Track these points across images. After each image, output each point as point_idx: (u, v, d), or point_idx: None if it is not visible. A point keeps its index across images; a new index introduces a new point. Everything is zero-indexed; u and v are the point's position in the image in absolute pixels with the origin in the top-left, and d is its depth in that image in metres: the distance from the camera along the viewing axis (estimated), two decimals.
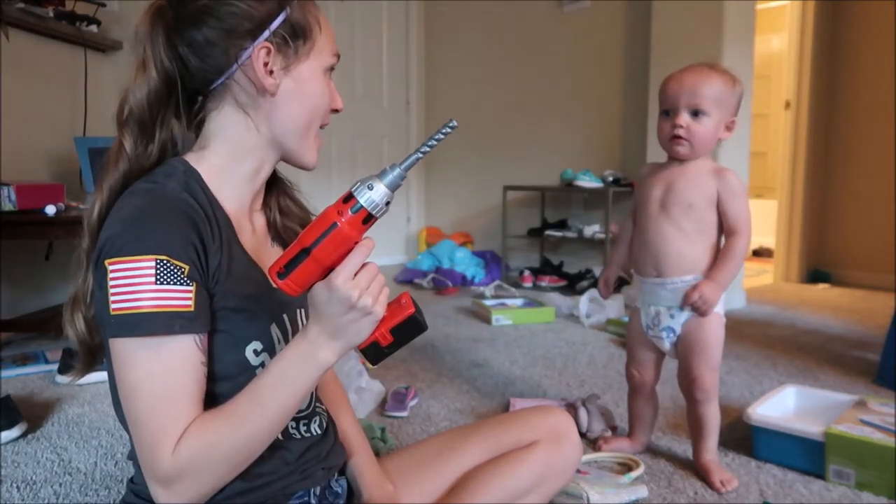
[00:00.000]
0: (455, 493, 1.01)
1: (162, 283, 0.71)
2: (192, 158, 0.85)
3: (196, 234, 0.76)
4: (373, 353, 0.77)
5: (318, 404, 0.96)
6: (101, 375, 2.11)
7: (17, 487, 1.40)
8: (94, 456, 1.57)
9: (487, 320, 3.02)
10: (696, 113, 1.37)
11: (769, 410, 1.58)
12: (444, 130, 0.72)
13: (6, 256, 2.59)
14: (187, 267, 0.73)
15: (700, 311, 1.40)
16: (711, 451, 1.47)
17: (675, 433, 1.69)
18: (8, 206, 2.23)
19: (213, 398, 0.79)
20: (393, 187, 0.71)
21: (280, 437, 0.84)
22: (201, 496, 0.74)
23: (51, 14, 2.70)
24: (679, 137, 1.39)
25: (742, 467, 1.51)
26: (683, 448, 1.60)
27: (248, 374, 0.81)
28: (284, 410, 0.75)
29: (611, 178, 3.71)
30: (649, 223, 1.47)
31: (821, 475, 1.44)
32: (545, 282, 3.91)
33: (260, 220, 0.93)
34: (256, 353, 0.82)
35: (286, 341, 0.86)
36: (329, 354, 0.74)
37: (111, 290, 0.71)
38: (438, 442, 1.09)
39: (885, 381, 2.10)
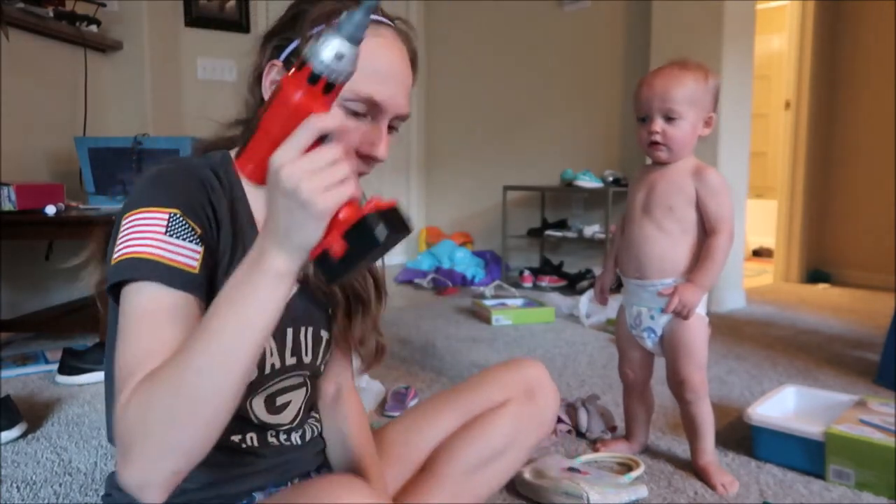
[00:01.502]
0: (428, 465, 1.01)
1: (171, 236, 0.68)
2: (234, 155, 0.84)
3: (210, 205, 0.74)
4: (324, 266, 0.59)
5: (313, 415, 0.95)
6: (101, 376, 2.11)
7: (17, 487, 1.40)
8: (94, 456, 1.57)
9: (487, 320, 3.02)
10: (669, 117, 1.37)
11: (769, 410, 1.58)
12: None
13: (6, 256, 2.59)
14: (199, 229, 0.71)
15: (681, 315, 1.40)
16: (709, 452, 1.47)
17: (675, 433, 1.69)
18: (8, 206, 2.23)
19: None
20: (351, 37, 0.56)
21: (256, 443, 0.83)
22: (157, 469, 0.59)
23: (51, 14, 2.70)
24: (656, 143, 1.39)
25: (742, 467, 1.51)
26: (683, 448, 1.60)
27: None
28: (240, 342, 0.59)
29: (611, 178, 3.71)
30: (633, 226, 1.47)
31: (821, 475, 1.43)
32: (545, 282, 3.91)
33: None
34: None
35: (282, 356, 0.83)
36: (279, 261, 0.58)
37: (118, 240, 0.68)
38: (409, 417, 1.08)
39: (885, 381, 2.10)
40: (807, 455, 1.45)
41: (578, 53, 4.08)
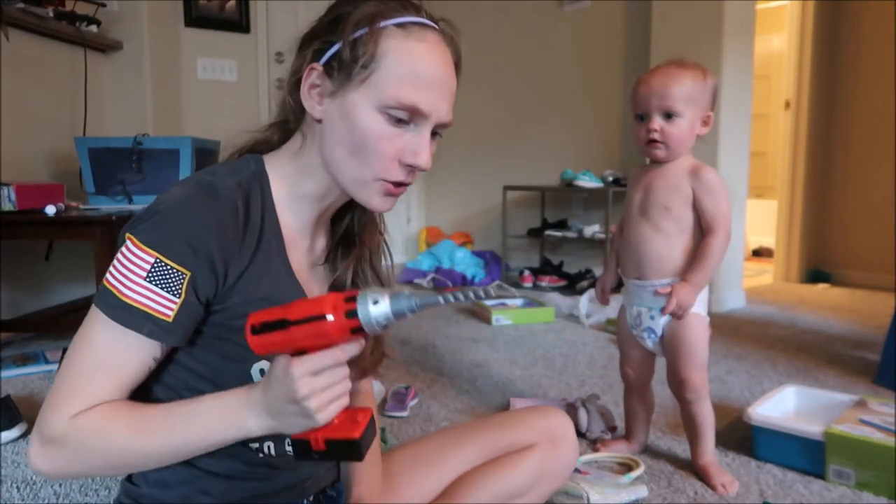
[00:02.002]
0: (450, 493, 1.01)
1: (150, 283, 0.71)
2: (272, 159, 0.83)
3: (220, 239, 0.73)
4: (300, 449, 0.70)
5: None
6: None
7: (17, 487, 1.40)
8: None
9: (487, 320, 3.02)
10: (668, 115, 1.37)
11: (769, 410, 1.58)
12: (479, 292, 0.65)
13: (6, 256, 2.59)
14: (188, 274, 0.71)
15: (677, 316, 1.40)
16: (709, 452, 1.47)
17: (675, 433, 1.69)
18: (8, 206, 2.23)
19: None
20: (398, 314, 0.66)
21: (272, 451, 0.82)
22: (65, 473, 0.73)
23: (51, 14, 2.70)
24: (654, 141, 1.39)
25: (742, 467, 1.51)
26: (683, 448, 1.60)
27: None
28: (184, 448, 0.71)
29: (611, 178, 3.71)
30: (631, 227, 1.47)
31: (821, 475, 1.44)
32: (545, 282, 3.91)
33: (322, 241, 0.90)
34: (263, 372, 0.79)
35: None
36: (256, 425, 0.70)
37: (114, 262, 0.73)
38: (436, 441, 1.08)
39: (885, 381, 2.10)
40: (807, 455, 1.45)
41: (578, 53, 4.08)
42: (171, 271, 0.71)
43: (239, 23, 3.77)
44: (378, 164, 0.76)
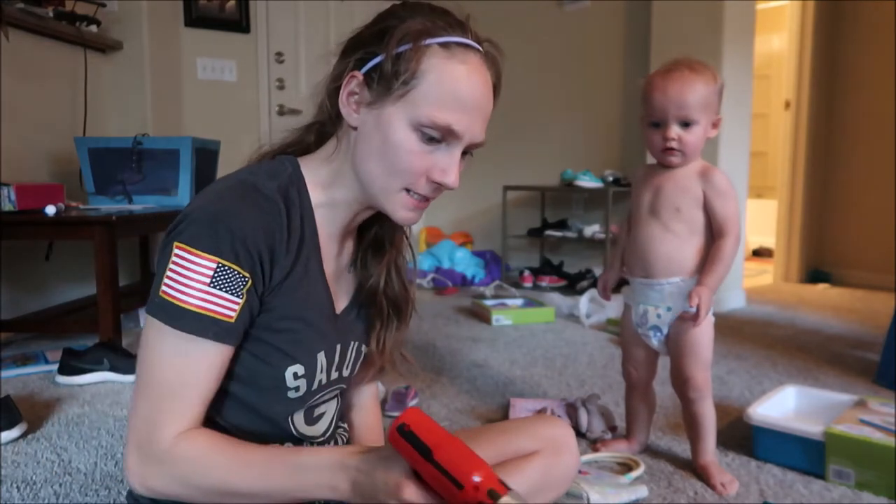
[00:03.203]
0: None
1: (215, 287, 0.72)
2: (307, 162, 0.84)
3: (269, 240, 0.75)
4: None
5: (339, 425, 0.99)
6: (101, 376, 2.12)
7: (17, 487, 1.40)
8: (94, 456, 1.57)
9: (487, 320, 3.02)
10: (686, 123, 1.37)
11: (769, 410, 1.58)
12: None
13: (6, 256, 2.59)
14: (249, 276, 0.73)
15: (696, 320, 1.39)
16: (710, 451, 1.47)
17: (675, 433, 1.69)
18: (8, 206, 2.23)
19: (235, 400, 0.81)
20: None
21: None
22: (163, 493, 0.74)
23: (51, 14, 2.70)
24: (671, 149, 1.39)
25: (742, 467, 1.51)
26: (683, 448, 1.60)
27: (280, 391, 0.81)
28: (277, 496, 0.73)
29: (611, 178, 3.71)
30: (640, 227, 1.47)
31: (821, 475, 1.44)
32: (545, 282, 3.91)
33: (350, 246, 0.92)
34: (296, 376, 0.82)
35: (328, 372, 0.87)
36: (347, 494, 0.69)
37: (168, 273, 0.73)
38: None
39: (885, 381, 2.10)
40: (807, 455, 1.45)
41: (578, 53, 4.08)
42: (234, 275, 0.73)
43: (239, 23, 3.77)
44: (406, 177, 0.78)
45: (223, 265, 0.72)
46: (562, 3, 4.10)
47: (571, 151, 4.14)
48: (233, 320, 0.74)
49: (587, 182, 3.71)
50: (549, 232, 4.03)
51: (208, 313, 0.72)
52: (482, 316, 3.10)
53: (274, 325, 0.78)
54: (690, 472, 1.48)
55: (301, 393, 0.84)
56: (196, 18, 3.63)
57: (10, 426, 1.64)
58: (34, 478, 1.45)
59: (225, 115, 3.66)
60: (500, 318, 3.01)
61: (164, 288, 0.73)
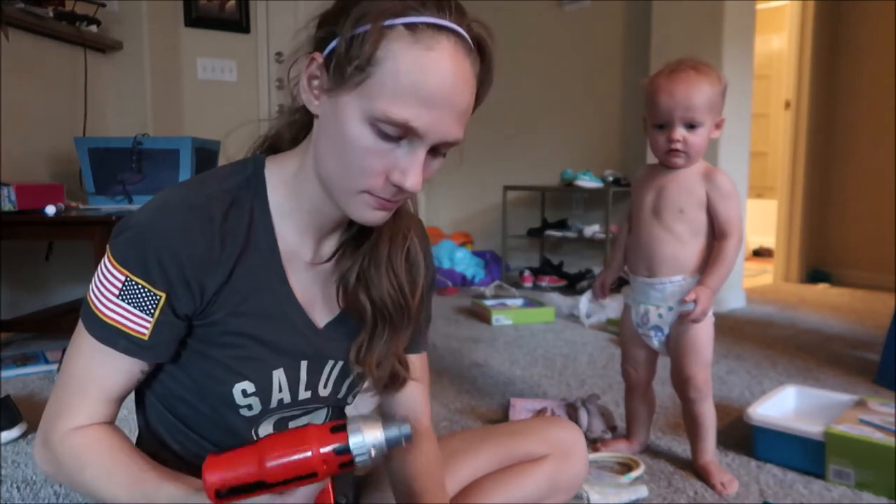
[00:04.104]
0: (462, 498, 1.00)
1: (123, 301, 0.70)
2: (276, 161, 0.77)
3: (191, 253, 0.69)
4: None
5: None
6: None
7: (17, 487, 1.40)
8: None
9: (487, 320, 3.02)
10: (691, 125, 1.37)
11: (769, 410, 1.58)
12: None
13: (6, 256, 2.59)
14: (162, 295, 0.69)
15: (697, 320, 1.40)
16: (710, 451, 1.47)
17: (675, 433, 1.69)
18: (8, 206, 2.23)
19: (191, 408, 0.78)
20: (391, 443, 0.62)
21: None
22: (55, 479, 0.79)
23: (51, 14, 2.70)
24: (676, 150, 1.38)
25: (742, 467, 1.51)
26: (683, 448, 1.60)
27: (230, 410, 0.75)
28: None
29: (611, 178, 3.71)
30: (643, 228, 1.47)
31: (821, 475, 1.44)
32: (545, 282, 3.91)
33: (329, 247, 0.81)
34: (245, 393, 0.75)
35: (293, 391, 0.78)
36: None
37: (95, 275, 0.73)
38: (450, 446, 1.06)
39: (885, 381, 2.10)
40: (807, 455, 1.45)
41: (578, 53, 4.07)
42: (142, 290, 0.70)
43: (239, 23, 3.77)
44: (363, 177, 0.68)
45: (130, 280, 0.69)
46: (562, 3, 4.10)
47: (571, 151, 4.14)
48: (145, 338, 0.71)
49: (587, 182, 3.71)
50: (549, 232, 4.03)
51: (118, 325, 0.71)
52: (482, 316, 3.10)
53: (219, 339, 0.73)
54: (690, 471, 1.48)
55: (255, 412, 0.76)
56: (196, 18, 3.63)
57: (10, 426, 1.64)
58: (34, 478, 1.45)
59: (225, 116, 3.66)
60: (500, 318, 3.00)
61: (90, 289, 0.73)
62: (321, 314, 0.80)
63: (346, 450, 0.60)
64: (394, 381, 0.87)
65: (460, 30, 0.67)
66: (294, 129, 0.79)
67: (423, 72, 0.64)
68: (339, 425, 0.62)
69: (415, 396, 0.93)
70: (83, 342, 0.73)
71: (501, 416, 1.83)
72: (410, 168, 0.67)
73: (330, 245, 0.81)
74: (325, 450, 0.61)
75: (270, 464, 0.60)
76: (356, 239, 0.81)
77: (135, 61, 3.24)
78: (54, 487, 1.40)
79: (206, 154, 2.79)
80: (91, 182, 2.64)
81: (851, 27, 4.13)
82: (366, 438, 0.61)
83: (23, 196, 2.25)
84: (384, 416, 0.64)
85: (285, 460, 0.60)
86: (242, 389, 0.74)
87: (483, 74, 0.72)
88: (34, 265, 2.78)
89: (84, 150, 2.63)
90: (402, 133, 0.66)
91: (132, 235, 0.70)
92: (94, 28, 2.93)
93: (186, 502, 0.65)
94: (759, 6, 3.61)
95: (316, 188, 0.74)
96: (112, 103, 3.22)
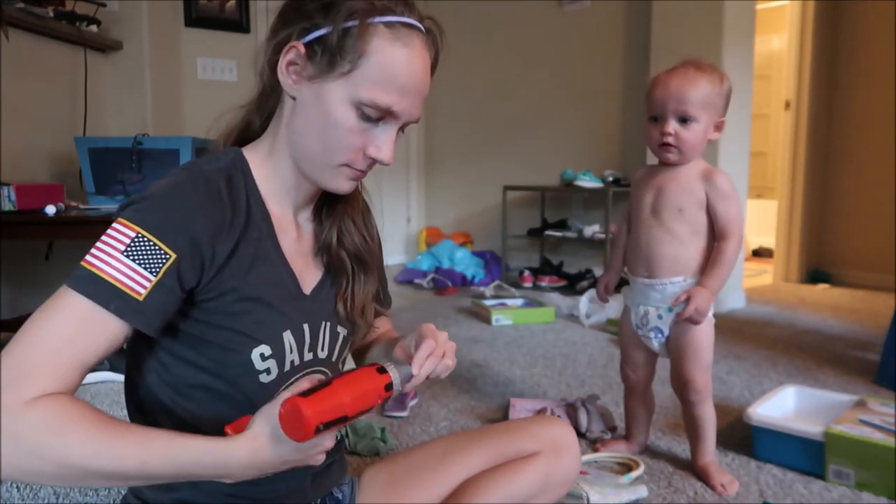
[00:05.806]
0: (455, 498, 1.01)
1: (128, 257, 0.68)
2: (252, 147, 0.85)
3: (207, 218, 0.73)
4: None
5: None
6: (100, 375, 2.11)
7: (18, 487, 1.40)
8: None
9: (487, 320, 3.02)
10: (684, 119, 1.37)
11: (769, 410, 1.58)
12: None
13: (6, 256, 2.59)
14: (174, 256, 0.70)
15: (693, 321, 1.39)
16: (710, 452, 1.47)
17: (675, 433, 1.69)
18: (8, 206, 2.23)
19: (210, 392, 0.79)
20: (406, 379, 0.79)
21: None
22: (8, 469, 0.62)
23: (51, 14, 2.70)
24: (668, 144, 1.38)
25: (742, 467, 1.51)
26: (683, 448, 1.60)
27: (251, 377, 0.79)
28: (155, 473, 0.66)
29: (611, 178, 3.71)
30: (642, 228, 1.47)
31: (821, 475, 1.44)
32: (545, 282, 3.91)
33: (310, 227, 0.91)
34: (263, 357, 0.79)
35: (300, 352, 0.84)
36: (241, 476, 0.71)
37: (95, 245, 0.70)
38: (442, 446, 1.08)
39: (885, 381, 2.10)
40: (807, 455, 1.45)
41: (578, 53, 4.08)
42: (153, 248, 0.69)
43: (239, 23, 3.77)
44: (345, 153, 0.79)
45: (141, 236, 0.69)
46: (562, 3, 4.10)
47: (571, 151, 4.14)
48: (141, 298, 0.68)
49: (587, 182, 3.71)
50: (549, 232, 4.03)
51: (114, 282, 0.67)
52: (482, 316, 3.10)
53: (230, 308, 0.77)
54: (690, 472, 1.48)
55: (273, 376, 0.81)
56: (196, 18, 3.63)
57: None
58: None
59: (225, 115, 3.65)
60: (500, 319, 3.00)
61: (85, 258, 0.70)
62: (307, 280, 0.88)
63: (391, 385, 0.75)
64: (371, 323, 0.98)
65: (422, 28, 0.80)
66: (263, 115, 0.87)
67: (403, 65, 0.76)
68: (381, 367, 0.75)
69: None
70: (64, 304, 0.68)
71: (501, 417, 1.83)
72: (385, 144, 0.80)
73: (304, 216, 0.90)
74: (382, 385, 0.74)
75: (352, 399, 0.71)
76: (324, 208, 0.92)
77: (135, 61, 3.24)
78: (54, 487, 1.40)
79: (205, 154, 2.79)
80: (91, 182, 2.63)
81: (851, 27, 4.13)
82: (396, 376, 0.75)
83: (23, 196, 2.25)
84: (393, 360, 0.79)
85: (361, 395, 0.72)
86: (260, 353, 0.79)
87: (434, 64, 0.84)
88: (34, 265, 2.78)
89: (84, 149, 2.63)
90: (381, 115, 0.78)
91: (151, 203, 0.72)
92: (94, 28, 2.93)
93: (228, 450, 0.68)
94: (759, 6, 3.61)
95: (289, 165, 0.83)
96: (112, 103, 3.22)
